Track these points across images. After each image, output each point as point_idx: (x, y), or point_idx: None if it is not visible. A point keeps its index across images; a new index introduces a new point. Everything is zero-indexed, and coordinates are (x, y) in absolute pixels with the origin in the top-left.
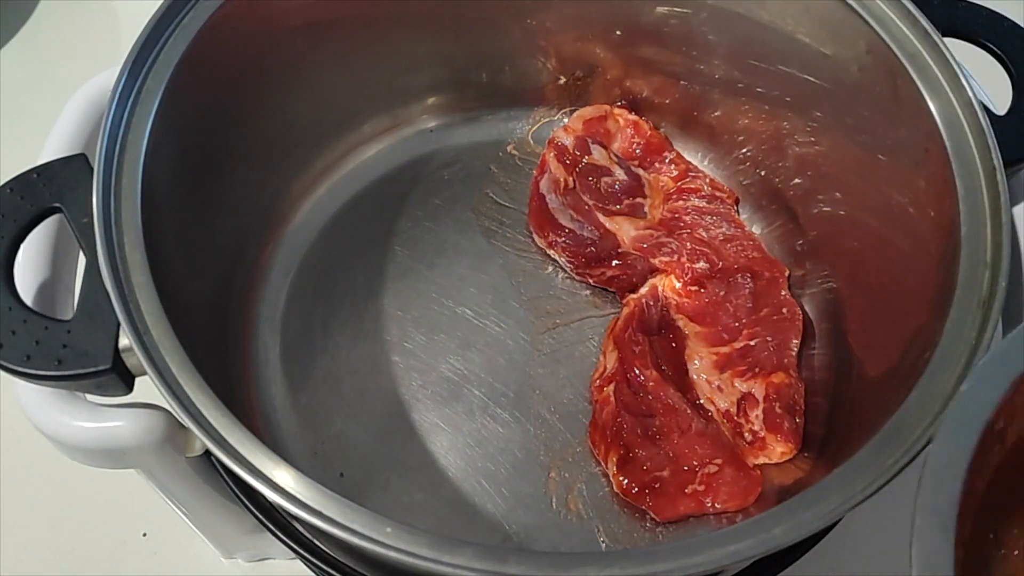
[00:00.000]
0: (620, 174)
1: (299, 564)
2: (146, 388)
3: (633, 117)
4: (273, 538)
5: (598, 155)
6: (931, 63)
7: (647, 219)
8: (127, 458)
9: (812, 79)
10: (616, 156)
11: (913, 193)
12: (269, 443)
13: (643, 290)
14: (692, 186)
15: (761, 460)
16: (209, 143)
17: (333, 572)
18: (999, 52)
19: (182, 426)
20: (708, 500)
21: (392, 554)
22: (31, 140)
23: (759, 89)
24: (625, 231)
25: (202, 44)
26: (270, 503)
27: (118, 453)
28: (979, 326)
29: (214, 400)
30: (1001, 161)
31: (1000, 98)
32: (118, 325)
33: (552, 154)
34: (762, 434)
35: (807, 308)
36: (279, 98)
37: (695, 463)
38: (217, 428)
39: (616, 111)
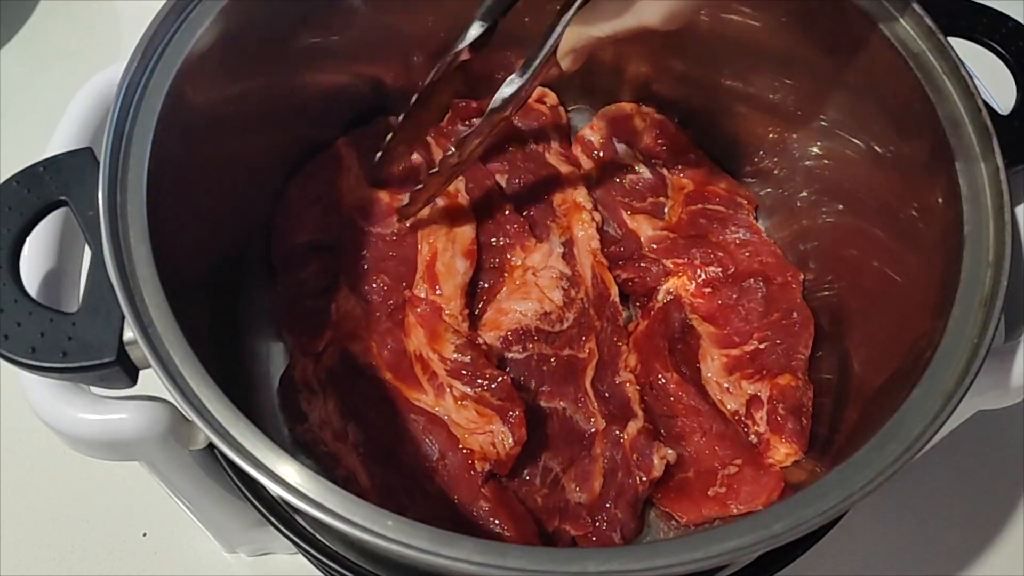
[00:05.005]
0: (645, 172)
1: (301, 558)
2: (150, 381)
3: (660, 116)
4: (275, 532)
5: (623, 153)
6: (936, 63)
7: (665, 220)
8: (131, 450)
9: (817, 81)
10: (641, 155)
11: (916, 193)
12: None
13: (661, 296)
14: (712, 190)
15: (767, 461)
16: (215, 138)
17: (334, 566)
18: (1003, 52)
19: (185, 419)
20: (731, 503)
21: (393, 547)
22: (31, 141)
23: (770, 96)
24: (643, 231)
25: (209, 38)
26: (273, 497)
27: (122, 445)
28: (981, 326)
29: (217, 393)
30: (1004, 161)
31: (1004, 98)
32: (123, 318)
33: (578, 148)
34: (766, 435)
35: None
36: (287, 92)
37: (716, 464)
38: (220, 421)
39: (644, 109)
